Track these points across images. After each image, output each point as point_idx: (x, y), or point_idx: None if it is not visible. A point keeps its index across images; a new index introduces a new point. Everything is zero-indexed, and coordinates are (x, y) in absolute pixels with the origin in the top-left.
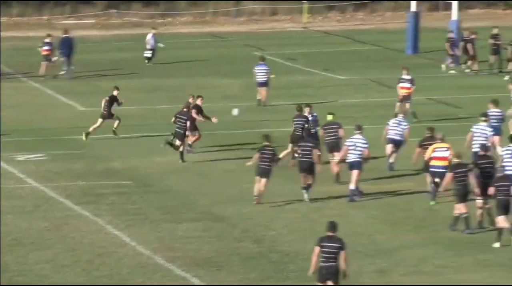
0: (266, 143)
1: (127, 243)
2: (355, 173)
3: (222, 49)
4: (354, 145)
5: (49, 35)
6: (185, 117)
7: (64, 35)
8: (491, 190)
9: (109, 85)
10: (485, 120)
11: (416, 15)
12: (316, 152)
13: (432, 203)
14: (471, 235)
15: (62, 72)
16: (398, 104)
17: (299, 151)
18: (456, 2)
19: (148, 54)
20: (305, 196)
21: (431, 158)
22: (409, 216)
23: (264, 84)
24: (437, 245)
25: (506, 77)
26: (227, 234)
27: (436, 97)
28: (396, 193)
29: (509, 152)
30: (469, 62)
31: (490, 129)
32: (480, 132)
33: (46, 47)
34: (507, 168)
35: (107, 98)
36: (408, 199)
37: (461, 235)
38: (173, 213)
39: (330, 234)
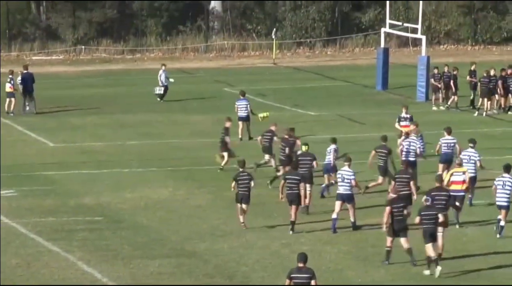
0: (241, 169)
1: (98, 279)
2: (349, 206)
3: (191, 85)
4: (342, 177)
5: (12, 72)
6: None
7: (24, 71)
8: (417, 219)
9: (79, 121)
10: (472, 147)
11: (385, 51)
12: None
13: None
14: (443, 272)
15: (27, 108)
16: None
17: (286, 183)
18: (425, 38)
19: (160, 91)
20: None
21: (449, 182)
22: (380, 252)
23: (245, 118)
24: (409, 281)
25: (476, 114)
26: (199, 270)
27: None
28: (367, 228)
29: (501, 182)
30: (454, 98)
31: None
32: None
33: (9, 84)
34: (498, 198)
35: None
36: (379, 234)
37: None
38: (145, 249)
39: (301, 265)
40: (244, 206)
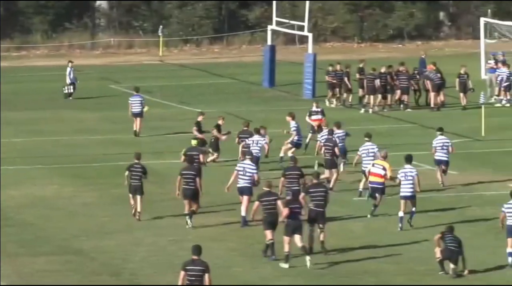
0: (136, 161)
1: None
2: (245, 198)
3: (78, 82)
4: (244, 170)
5: None
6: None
7: None
8: (285, 212)
9: None
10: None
11: (272, 49)
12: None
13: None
14: (326, 269)
15: None
16: (310, 135)
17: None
18: (311, 35)
19: (69, 89)
20: (189, 222)
21: (369, 173)
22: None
23: (139, 115)
24: (297, 277)
25: (362, 111)
26: (86, 268)
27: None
28: (255, 224)
29: (403, 174)
30: (348, 96)
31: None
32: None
33: None
34: (403, 189)
35: None
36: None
37: (314, 266)
38: (30, 246)
39: (195, 257)
40: (138, 197)
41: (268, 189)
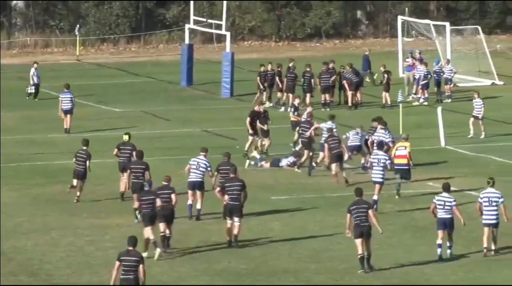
0: (84, 147)
1: None
2: (198, 193)
3: None
4: (197, 165)
5: None
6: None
7: None
8: (136, 204)
9: None
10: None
11: (190, 47)
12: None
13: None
14: (245, 267)
15: None
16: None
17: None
18: (229, 34)
19: (31, 90)
20: (139, 216)
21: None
22: (186, 247)
23: (69, 111)
24: (215, 276)
25: (282, 109)
26: (2, 268)
27: (211, 129)
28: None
29: (376, 159)
30: (282, 95)
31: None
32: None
33: None
34: (374, 174)
35: None
36: (187, 231)
37: (233, 265)
38: None
39: (130, 248)
40: (80, 182)
41: (166, 183)
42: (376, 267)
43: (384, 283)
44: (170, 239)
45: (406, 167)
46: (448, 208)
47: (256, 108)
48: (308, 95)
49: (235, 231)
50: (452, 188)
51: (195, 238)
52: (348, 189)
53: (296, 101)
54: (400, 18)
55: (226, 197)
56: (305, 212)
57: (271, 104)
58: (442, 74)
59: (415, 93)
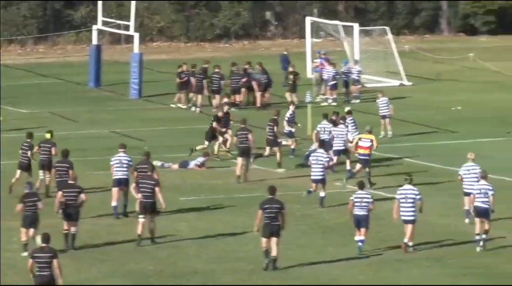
0: (28, 140)
1: None
2: (123, 191)
3: None
4: (120, 161)
5: None
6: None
7: None
8: (18, 207)
9: None
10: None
11: (98, 48)
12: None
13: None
14: (153, 269)
15: None
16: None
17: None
18: (137, 35)
19: None
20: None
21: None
22: (93, 250)
23: None
24: (123, 278)
25: (193, 109)
26: None
27: (119, 130)
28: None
29: (315, 157)
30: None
31: None
32: None
33: None
34: (313, 173)
35: None
36: (94, 232)
37: (141, 266)
38: None
39: (43, 245)
40: (24, 173)
41: (72, 182)
42: (284, 267)
43: (292, 283)
44: (75, 237)
45: (367, 157)
46: (365, 205)
47: (220, 114)
48: (217, 96)
49: (151, 227)
50: (337, 184)
51: (103, 239)
52: (256, 190)
53: (224, 101)
54: (308, 19)
55: (140, 195)
56: (213, 212)
57: (189, 105)
58: (350, 75)
59: (324, 94)
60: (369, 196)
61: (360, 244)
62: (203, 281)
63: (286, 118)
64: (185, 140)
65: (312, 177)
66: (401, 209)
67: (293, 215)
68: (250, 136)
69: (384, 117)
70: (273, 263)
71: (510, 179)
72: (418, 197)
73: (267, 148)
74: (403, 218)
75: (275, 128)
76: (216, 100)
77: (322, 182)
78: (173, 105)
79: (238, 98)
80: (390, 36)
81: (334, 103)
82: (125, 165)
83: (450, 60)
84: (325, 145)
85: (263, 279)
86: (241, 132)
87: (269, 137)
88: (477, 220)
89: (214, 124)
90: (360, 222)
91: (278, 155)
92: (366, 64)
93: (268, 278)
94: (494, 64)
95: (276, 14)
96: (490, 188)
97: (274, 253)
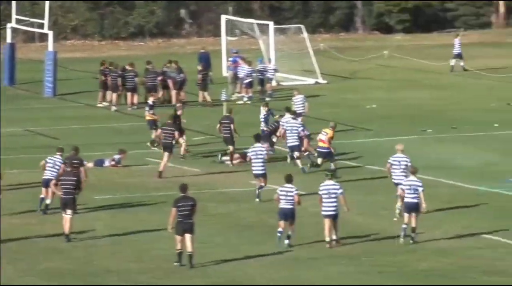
0: None
1: None
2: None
3: None
4: (54, 163)
5: None
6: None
7: None
8: None
9: None
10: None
11: (12, 46)
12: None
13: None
14: (67, 267)
15: None
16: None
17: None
18: (52, 33)
19: None
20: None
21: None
22: (8, 248)
23: None
24: (36, 277)
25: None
26: None
27: (33, 128)
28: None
29: (254, 152)
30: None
31: None
32: None
33: None
34: (254, 167)
35: None
36: (10, 230)
37: (56, 265)
38: None
39: None
40: None
41: None
42: (200, 266)
43: (208, 282)
44: None
45: (327, 150)
46: (290, 198)
47: (179, 112)
48: (129, 94)
49: (67, 225)
50: (277, 187)
51: (17, 237)
52: (172, 188)
53: (151, 100)
54: (223, 17)
55: (59, 192)
56: (129, 211)
57: (106, 104)
58: (265, 73)
59: (239, 92)
60: (294, 189)
61: (279, 234)
62: (119, 281)
63: (262, 119)
64: (99, 138)
65: (254, 172)
66: (324, 204)
67: (208, 213)
68: (176, 134)
69: (299, 115)
70: (189, 259)
71: (425, 176)
72: (339, 191)
73: (230, 147)
74: (325, 213)
75: (232, 125)
76: (129, 99)
77: (263, 176)
78: (100, 105)
79: (154, 96)
80: (305, 34)
81: (249, 102)
82: (57, 167)
83: (365, 58)
84: (262, 137)
85: (180, 278)
86: (166, 129)
87: (226, 135)
88: (406, 215)
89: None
90: (286, 216)
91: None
92: (282, 62)
93: (185, 277)
94: (408, 62)
95: (191, 13)
96: (420, 184)
97: (189, 249)
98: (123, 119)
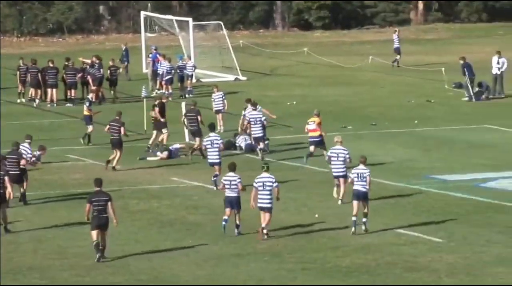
0: None
1: None
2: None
3: None
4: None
5: None
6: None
7: None
8: None
9: None
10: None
11: None
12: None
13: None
14: None
15: None
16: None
17: None
18: None
19: None
20: None
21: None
22: None
23: None
24: None
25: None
26: None
27: None
28: None
29: (209, 142)
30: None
31: None
32: None
33: None
34: (209, 157)
35: None
36: None
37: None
38: None
39: None
40: None
41: None
42: (122, 263)
43: (130, 279)
44: None
45: (319, 139)
46: (234, 187)
47: (165, 100)
48: (53, 90)
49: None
50: (198, 183)
51: None
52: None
53: (90, 95)
54: (143, 14)
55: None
56: (49, 208)
57: (23, 100)
58: (185, 70)
59: (159, 89)
60: (237, 177)
61: (224, 222)
62: (40, 277)
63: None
64: (19, 135)
65: (209, 160)
66: (259, 196)
67: (130, 210)
68: (122, 129)
69: (218, 112)
70: (101, 253)
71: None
72: (275, 184)
73: (197, 139)
74: (260, 205)
75: (199, 117)
76: (49, 95)
77: (218, 164)
78: (19, 101)
79: (74, 93)
80: (224, 31)
81: (170, 98)
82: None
83: (284, 55)
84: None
85: (102, 275)
86: (113, 124)
87: (194, 128)
88: (355, 202)
89: (155, 112)
90: (232, 203)
91: (197, 143)
92: (201, 58)
93: (106, 273)
94: (328, 59)
95: (110, 9)
96: (368, 172)
97: (102, 243)
98: (43, 116)
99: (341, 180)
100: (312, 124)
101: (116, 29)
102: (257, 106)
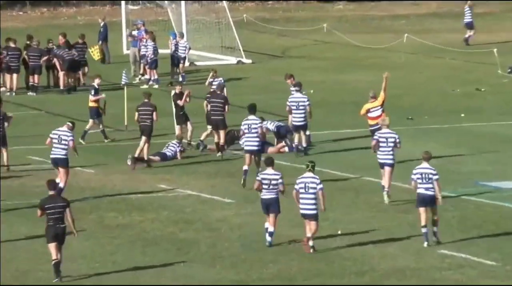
0: None
1: None
2: (61, 171)
3: None
4: (59, 138)
5: None
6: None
7: None
8: None
9: None
10: None
11: None
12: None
13: None
14: None
15: None
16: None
17: None
18: None
19: None
20: None
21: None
22: None
23: None
24: None
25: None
26: None
27: None
28: None
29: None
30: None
31: None
32: None
33: None
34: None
35: None
36: None
37: None
38: None
39: None
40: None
41: None
42: None
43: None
44: None
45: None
46: (274, 187)
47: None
48: (9, 76)
49: None
50: (192, 192)
51: None
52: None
53: (96, 82)
54: None
55: None
56: (6, 222)
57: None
58: (178, 51)
59: (143, 74)
60: (279, 177)
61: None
62: None
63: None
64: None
65: (246, 147)
66: (301, 200)
67: (105, 224)
68: (155, 115)
69: None
70: (56, 267)
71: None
72: (319, 186)
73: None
74: (303, 212)
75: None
76: (8, 81)
77: (257, 153)
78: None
79: (37, 79)
80: (224, 2)
81: (156, 86)
82: (63, 141)
83: (298, 33)
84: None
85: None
86: (143, 109)
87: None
88: (421, 209)
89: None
90: (268, 207)
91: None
92: (196, 37)
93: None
94: (352, 37)
95: None
96: (435, 172)
97: (57, 256)
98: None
99: (388, 169)
100: (378, 110)
101: (90, 2)
102: (301, 87)
